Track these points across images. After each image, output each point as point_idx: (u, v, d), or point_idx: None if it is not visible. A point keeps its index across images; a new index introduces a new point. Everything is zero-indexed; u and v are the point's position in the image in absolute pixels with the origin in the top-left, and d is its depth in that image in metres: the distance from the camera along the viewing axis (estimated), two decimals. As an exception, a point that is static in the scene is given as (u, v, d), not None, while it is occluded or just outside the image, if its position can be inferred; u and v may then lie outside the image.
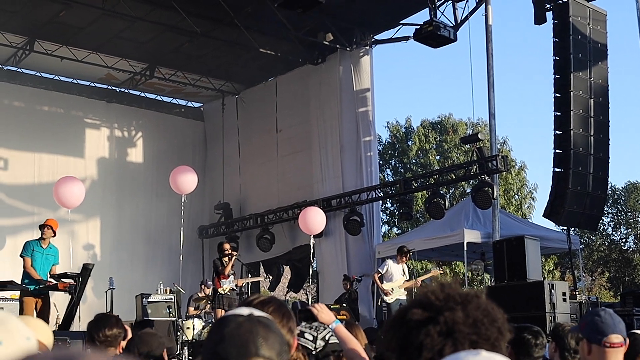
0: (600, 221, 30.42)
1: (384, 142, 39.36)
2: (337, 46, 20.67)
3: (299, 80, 22.51)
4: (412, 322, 1.87)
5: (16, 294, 12.77)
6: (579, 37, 16.24)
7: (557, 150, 16.33)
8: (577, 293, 15.81)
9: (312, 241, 17.57)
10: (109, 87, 23.98)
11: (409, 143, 38.68)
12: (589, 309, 14.67)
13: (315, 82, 21.85)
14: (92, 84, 23.67)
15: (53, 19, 19.07)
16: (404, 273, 15.09)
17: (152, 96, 25.09)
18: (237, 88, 24.50)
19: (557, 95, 16.37)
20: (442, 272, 19.74)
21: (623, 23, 53.32)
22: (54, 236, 12.87)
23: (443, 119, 38.64)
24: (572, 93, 16.06)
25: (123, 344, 4.99)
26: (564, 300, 13.65)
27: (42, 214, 20.10)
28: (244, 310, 2.13)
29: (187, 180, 17.43)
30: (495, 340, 1.86)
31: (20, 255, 12.54)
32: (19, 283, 12.30)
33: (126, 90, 24.21)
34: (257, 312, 2.14)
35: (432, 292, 1.90)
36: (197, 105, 26.33)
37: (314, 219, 17.61)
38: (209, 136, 25.68)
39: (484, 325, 1.85)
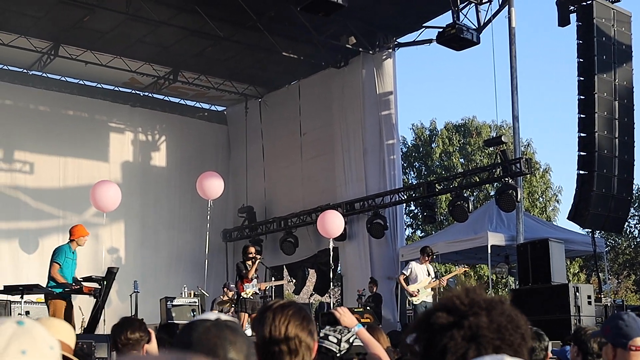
0: (626, 223, 30.22)
1: (409, 144, 39.32)
2: (360, 49, 20.68)
3: (321, 83, 22.52)
4: (436, 326, 1.87)
5: (42, 297, 12.86)
6: (603, 38, 16.16)
7: (582, 153, 16.27)
8: (602, 296, 15.69)
9: (331, 244, 17.57)
10: (133, 91, 24.14)
11: (433, 146, 38.63)
12: (614, 312, 14.56)
13: (338, 85, 21.85)
14: (116, 88, 23.86)
15: (77, 24, 19.21)
16: (429, 274, 15.00)
17: (176, 100, 25.21)
18: (260, 91, 24.58)
19: (582, 97, 16.30)
20: (466, 269, 19.66)
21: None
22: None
23: (467, 121, 38.55)
24: (596, 95, 15.98)
25: (147, 347, 5.02)
26: (589, 303, 13.58)
27: (67, 218, 20.33)
28: (211, 315, 2.16)
29: (214, 186, 17.51)
30: (518, 346, 1.86)
31: (55, 261, 12.55)
32: (45, 286, 12.36)
33: (150, 94, 24.38)
34: (224, 317, 2.16)
35: (457, 296, 1.90)
36: (220, 109, 26.46)
37: (333, 222, 17.61)
38: (232, 140, 25.74)
39: (507, 331, 1.85)
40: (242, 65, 22.51)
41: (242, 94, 24.53)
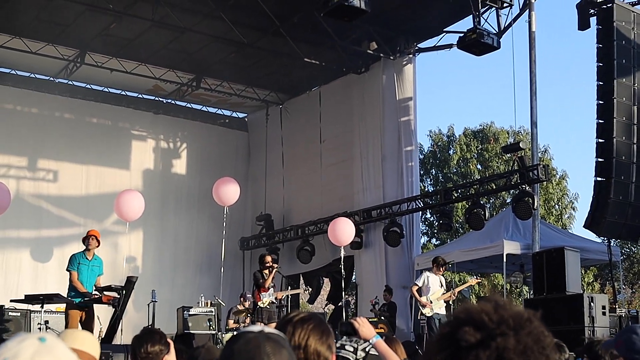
0: (643, 231, 29.99)
1: (426, 151, 39.25)
2: (381, 55, 20.79)
3: (342, 89, 22.60)
4: (462, 342, 1.83)
5: (62, 306, 12.94)
6: (623, 42, 16.16)
7: (599, 159, 16.15)
8: (616, 306, 15.57)
9: (342, 252, 17.56)
10: (156, 99, 24.40)
11: (450, 152, 38.53)
12: (628, 323, 14.48)
13: (358, 91, 21.96)
14: (139, 96, 24.15)
15: (103, 31, 19.45)
16: (442, 285, 14.95)
17: (198, 107, 25.45)
18: (281, 98, 24.75)
19: (600, 102, 16.22)
20: (479, 280, 19.60)
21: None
22: (98, 246, 12.90)
23: (485, 127, 38.45)
24: (615, 100, 15.91)
25: (166, 358, 5.07)
26: (604, 313, 13.46)
27: (88, 226, 20.39)
28: (256, 327, 2.22)
29: (230, 192, 17.52)
30: None
31: (67, 270, 12.64)
32: (65, 296, 12.44)
33: (172, 101, 24.62)
34: (267, 329, 2.22)
35: (486, 312, 1.85)
36: (241, 115, 26.65)
37: (343, 230, 17.60)
38: (253, 147, 25.87)
39: (533, 353, 1.81)
40: (265, 71, 22.71)
41: (264, 101, 24.69)
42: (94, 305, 12.59)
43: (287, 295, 15.59)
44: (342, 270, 17.62)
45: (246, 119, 26.57)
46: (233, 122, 26.32)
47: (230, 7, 18.48)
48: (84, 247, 12.77)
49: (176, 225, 23.37)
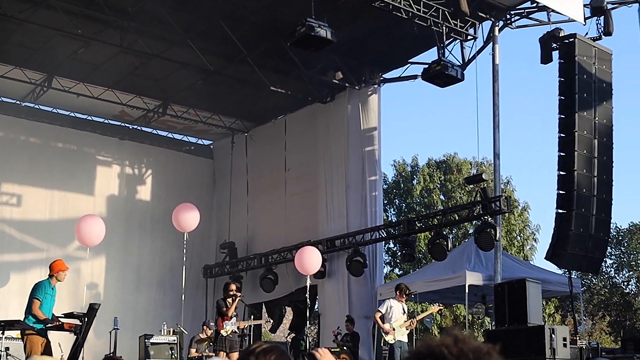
0: (602, 263, 30.36)
1: (390, 180, 39.42)
2: (346, 85, 21.00)
3: (307, 118, 22.75)
4: None
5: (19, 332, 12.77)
6: (585, 76, 16.46)
7: (561, 191, 16.30)
8: (577, 338, 15.67)
9: (308, 282, 17.52)
10: (122, 124, 24.36)
11: (414, 182, 38.73)
12: (589, 355, 14.60)
13: (323, 120, 22.10)
14: (106, 121, 24.09)
15: (71, 56, 19.43)
16: (405, 312, 14.95)
17: (164, 133, 25.45)
18: (247, 126, 24.83)
19: (562, 135, 16.42)
20: (441, 307, 19.51)
21: (628, 63, 53.46)
22: None
23: (448, 158, 38.77)
24: (576, 133, 16.14)
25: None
26: (565, 345, 13.47)
27: (51, 251, 20.31)
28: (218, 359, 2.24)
29: (189, 218, 17.38)
30: None
31: (34, 297, 12.47)
32: (25, 322, 12.29)
33: (139, 128, 24.61)
34: None
35: (446, 345, 1.88)
36: (207, 142, 26.66)
37: (310, 259, 17.54)
38: (218, 174, 25.88)
39: None
40: (231, 99, 22.87)
41: (229, 128, 24.77)
42: (56, 332, 12.44)
43: (250, 325, 15.50)
44: (308, 300, 17.58)
45: (212, 146, 26.60)
46: (199, 149, 26.34)
47: (197, 35, 18.61)
48: (51, 276, 12.58)
49: (140, 252, 23.25)
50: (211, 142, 26.59)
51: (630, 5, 17.59)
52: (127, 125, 24.35)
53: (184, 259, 17.23)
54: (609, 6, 17.12)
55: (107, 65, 19.97)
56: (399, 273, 36.26)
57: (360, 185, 21.09)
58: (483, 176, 18.45)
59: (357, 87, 21.17)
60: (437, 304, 17.63)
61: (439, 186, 38.06)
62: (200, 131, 25.39)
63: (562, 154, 16.41)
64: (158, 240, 23.31)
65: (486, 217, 17.69)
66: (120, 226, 22.63)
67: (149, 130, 24.96)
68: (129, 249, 23.06)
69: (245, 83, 21.10)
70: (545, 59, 17.08)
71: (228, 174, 24.90)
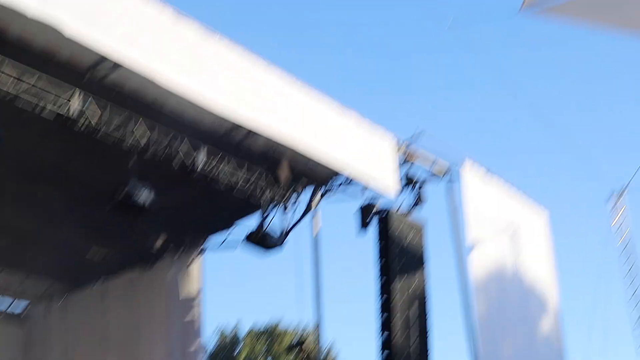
0: None
1: (214, 347, 38.77)
2: (168, 251, 20.67)
3: (128, 285, 21.94)
4: None
5: None
6: (400, 246, 17.20)
7: (382, 353, 16.55)
8: None
9: None
10: None
11: (239, 349, 38.26)
12: None
13: (143, 288, 21.43)
14: None
15: None
16: None
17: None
18: (63, 290, 23.59)
19: (380, 299, 16.88)
20: None
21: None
22: None
23: (270, 327, 38.64)
24: (393, 298, 16.66)
25: None
26: None
27: None
28: None
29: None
30: None
31: None
32: None
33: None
34: None
35: None
36: (19, 308, 24.93)
37: None
38: (27, 344, 24.26)
39: None
40: (48, 262, 21.57)
41: (44, 293, 23.57)
42: None
43: None
44: None
45: (23, 313, 25.05)
46: (8, 317, 24.65)
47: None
48: None
49: None
50: (25, 306, 24.87)
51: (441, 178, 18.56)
52: None
53: None
54: (422, 178, 18.10)
55: None
56: None
57: (181, 356, 20.40)
58: (303, 346, 18.63)
59: (178, 254, 20.82)
60: None
61: (263, 353, 37.69)
62: (15, 293, 23.86)
63: (381, 317, 16.78)
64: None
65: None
66: None
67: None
68: None
69: (62, 246, 20.16)
70: (364, 225, 17.64)
71: (41, 344, 23.49)
